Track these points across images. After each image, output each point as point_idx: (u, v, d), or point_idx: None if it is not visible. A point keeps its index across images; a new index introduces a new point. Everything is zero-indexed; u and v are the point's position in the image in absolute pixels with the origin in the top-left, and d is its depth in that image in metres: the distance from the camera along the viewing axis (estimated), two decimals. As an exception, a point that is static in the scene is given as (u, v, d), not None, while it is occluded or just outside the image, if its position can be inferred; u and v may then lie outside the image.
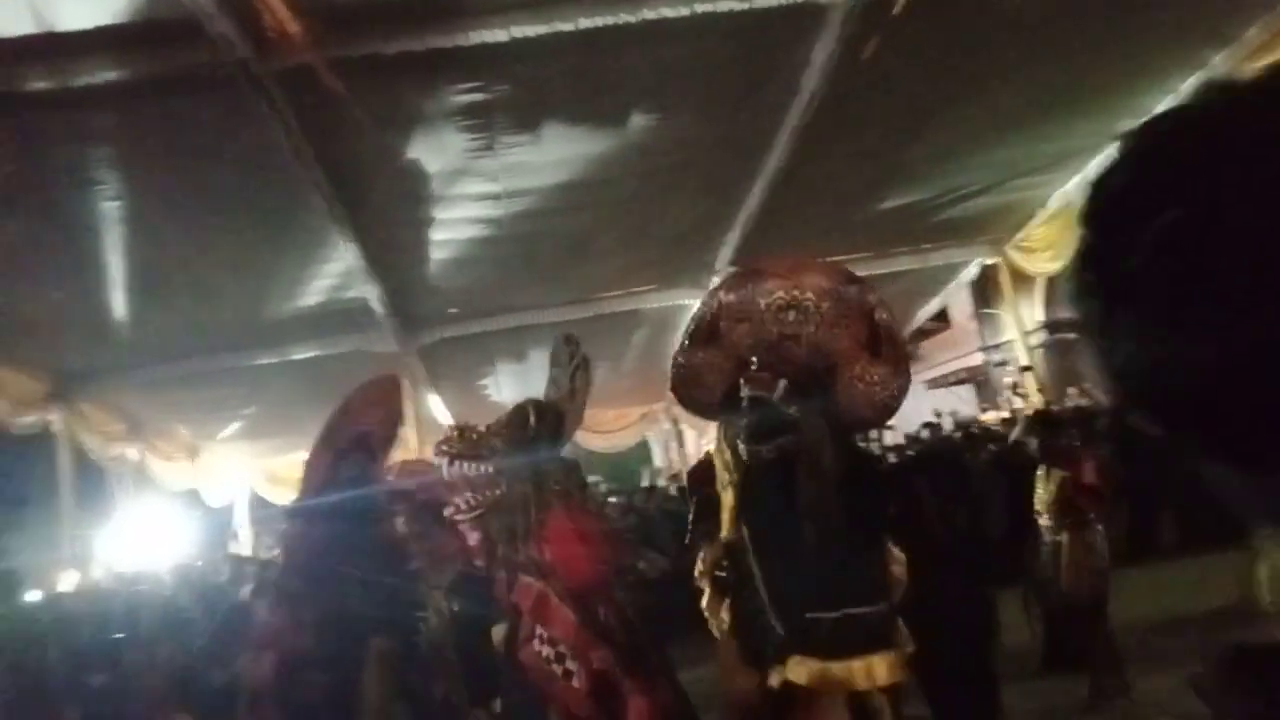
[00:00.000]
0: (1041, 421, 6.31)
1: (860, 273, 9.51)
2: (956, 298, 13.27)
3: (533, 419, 2.84)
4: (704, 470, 3.21)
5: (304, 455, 3.85)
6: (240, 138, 4.98)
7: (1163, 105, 6.91)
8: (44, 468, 8.63)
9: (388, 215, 6.34)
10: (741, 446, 2.79)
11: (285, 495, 11.02)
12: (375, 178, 5.80)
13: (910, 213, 8.32)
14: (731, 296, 2.99)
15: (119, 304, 6.92)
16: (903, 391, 2.94)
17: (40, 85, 4.31)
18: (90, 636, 5.67)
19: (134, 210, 5.64)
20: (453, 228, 6.71)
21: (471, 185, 6.13)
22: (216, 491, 12.33)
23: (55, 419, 8.23)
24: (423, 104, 5.13)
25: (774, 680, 2.58)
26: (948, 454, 9.58)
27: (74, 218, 5.66)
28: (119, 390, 8.86)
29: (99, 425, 8.92)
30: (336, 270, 7.03)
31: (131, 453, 9.84)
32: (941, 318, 15.36)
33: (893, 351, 2.92)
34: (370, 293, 7.42)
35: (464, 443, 2.90)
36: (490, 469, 2.81)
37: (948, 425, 11.56)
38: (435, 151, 5.61)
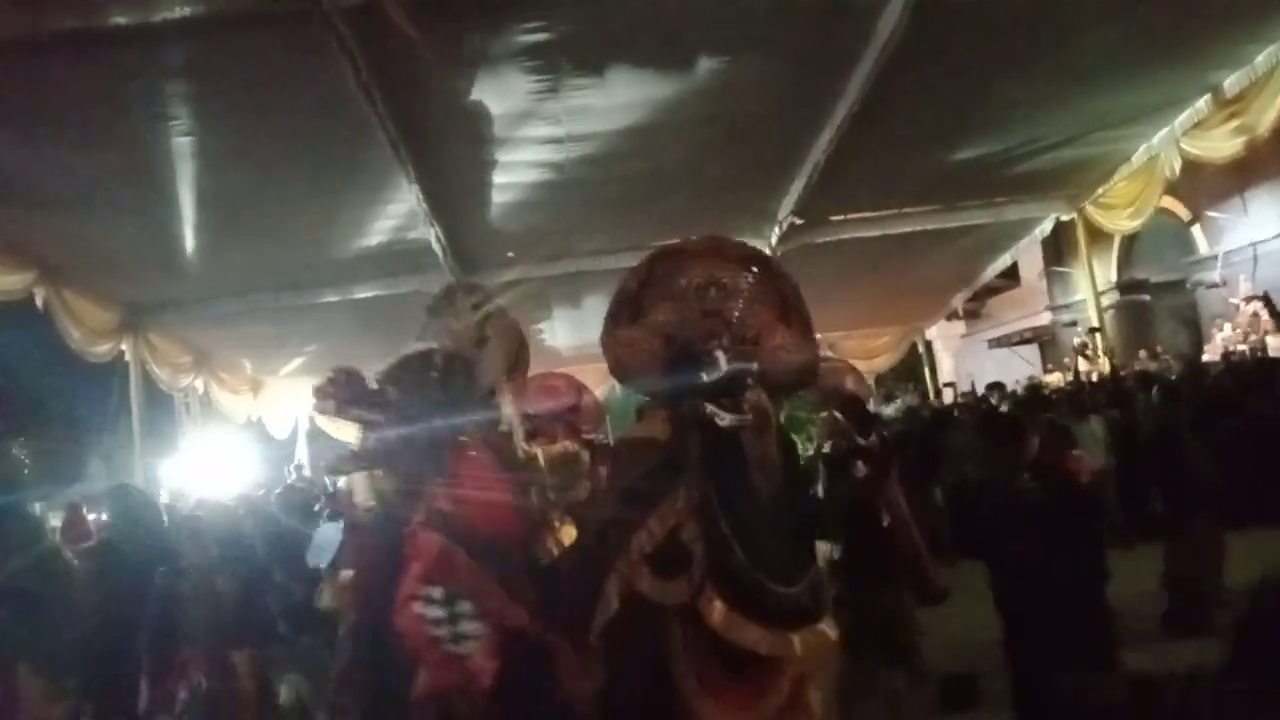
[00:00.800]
0: None
1: (929, 225, 9.30)
2: (1027, 255, 12.89)
3: (436, 367, 2.67)
4: (637, 451, 3.12)
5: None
6: (310, 76, 4.98)
7: (1259, 56, 6.56)
8: (117, 395, 8.93)
9: (451, 157, 6.33)
10: (711, 411, 2.81)
11: (341, 429, 11.27)
12: (440, 119, 5.78)
13: (984, 165, 8.04)
14: (651, 276, 3.04)
15: (189, 238, 7.07)
16: (815, 357, 3.06)
17: (119, 20, 4.34)
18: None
19: (206, 146, 5.71)
20: (514, 171, 6.68)
21: (535, 128, 6.07)
22: (279, 424, 12.71)
23: (127, 348, 8.51)
24: (489, 44, 5.06)
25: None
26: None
27: (148, 152, 5.75)
28: (187, 323, 9.12)
29: (168, 356, 9.22)
30: (399, 211, 7.07)
31: (198, 384, 10.16)
32: (1010, 275, 14.96)
33: (801, 321, 3.03)
34: (431, 234, 7.45)
35: (351, 388, 2.69)
36: (383, 416, 2.60)
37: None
38: (500, 93, 5.56)
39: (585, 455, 6.20)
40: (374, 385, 2.67)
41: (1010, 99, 6.80)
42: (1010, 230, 9.95)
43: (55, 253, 6.98)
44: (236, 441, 12.12)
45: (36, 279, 6.94)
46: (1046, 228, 9.85)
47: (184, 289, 8.31)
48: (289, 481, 10.36)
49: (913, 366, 15.38)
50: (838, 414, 4.52)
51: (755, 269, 3.04)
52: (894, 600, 4.27)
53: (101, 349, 8.08)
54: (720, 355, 2.71)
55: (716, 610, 2.36)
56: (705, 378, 2.76)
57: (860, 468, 4.38)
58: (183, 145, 5.69)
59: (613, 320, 3.05)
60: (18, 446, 14.37)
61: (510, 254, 8.43)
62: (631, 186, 7.20)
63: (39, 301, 7.03)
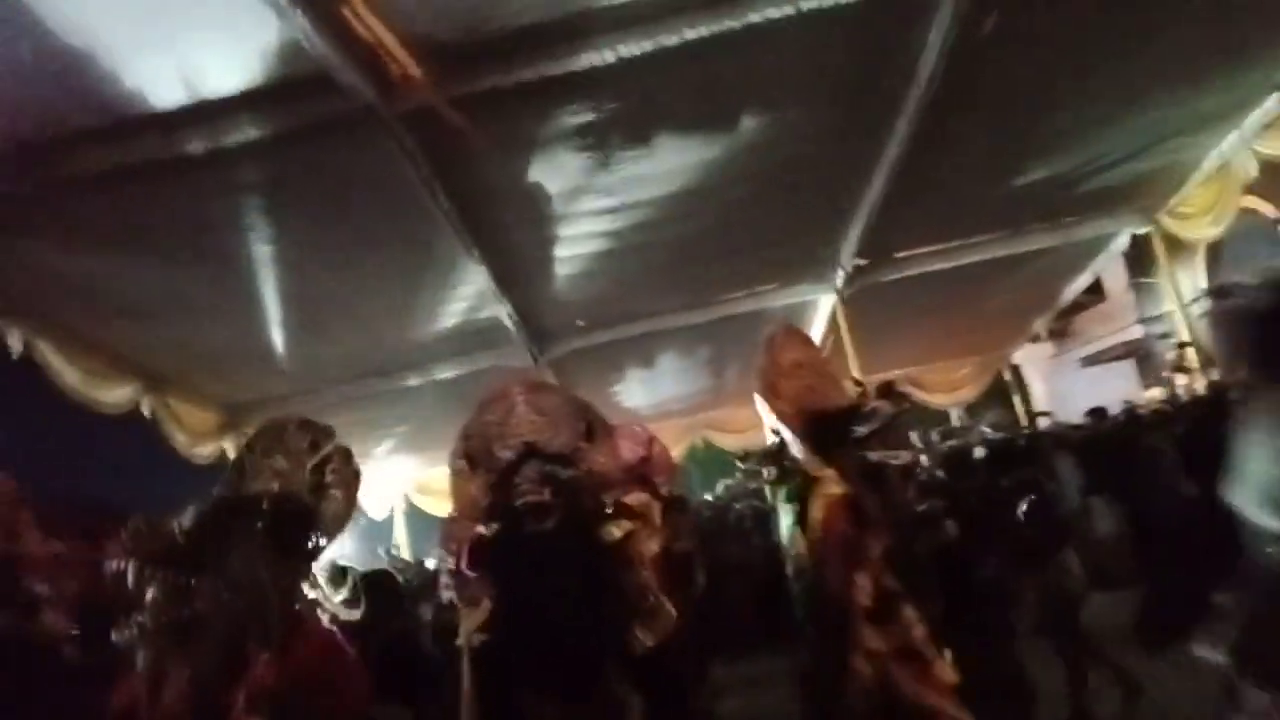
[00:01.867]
0: None
1: (998, 253, 9.18)
2: (1110, 268, 12.50)
3: (264, 515, 2.24)
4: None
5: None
6: (374, 177, 5.28)
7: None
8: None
9: (513, 237, 6.58)
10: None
11: (437, 505, 11.60)
12: (499, 203, 6.03)
13: (1049, 187, 7.89)
14: (478, 426, 3.95)
15: (279, 338, 7.48)
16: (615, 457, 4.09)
17: (196, 147, 4.70)
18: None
19: (285, 251, 6.08)
20: (575, 243, 6.88)
21: (590, 201, 6.27)
22: (376, 504, 13.10)
23: (229, 447, 8.96)
24: (539, 129, 5.29)
25: None
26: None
27: (235, 262, 6.15)
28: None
29: (268, 450, 9.64)
30: (470, 293, 7.34)
31: (298, 473, 10.57)
32: (1095, 289, 14.51)
33: (604, 433, 3.99)
34: (502, 311, 7.71)
35: (153, 541, 2.25)
36: (189, 579, 2.14)
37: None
38: (553, 173, 5.78)
39: (656, 507, 6.30)
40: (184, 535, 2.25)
41: (1068, 118, 6.71)
42: (1084, 249, 9.69)
43: (157, 362, 7.47)
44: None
45: (142, 389, 7.44)
46: (1123, 243, 9.56)
47: (278, 385, 8.74)
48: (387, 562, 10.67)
49: (1001, 394, 14.93)
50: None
51: (564, 401, 4.01)
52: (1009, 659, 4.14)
53: (205, 450, 8.53)
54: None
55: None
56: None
57: (952, 527, 4.34)
58: (265, 253, 6.07)
59: (455, 472, 3.96)
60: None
61: (580, 322, 8.63)
62: (690, 246, 7.33)
63: (145, 410, 7.52)
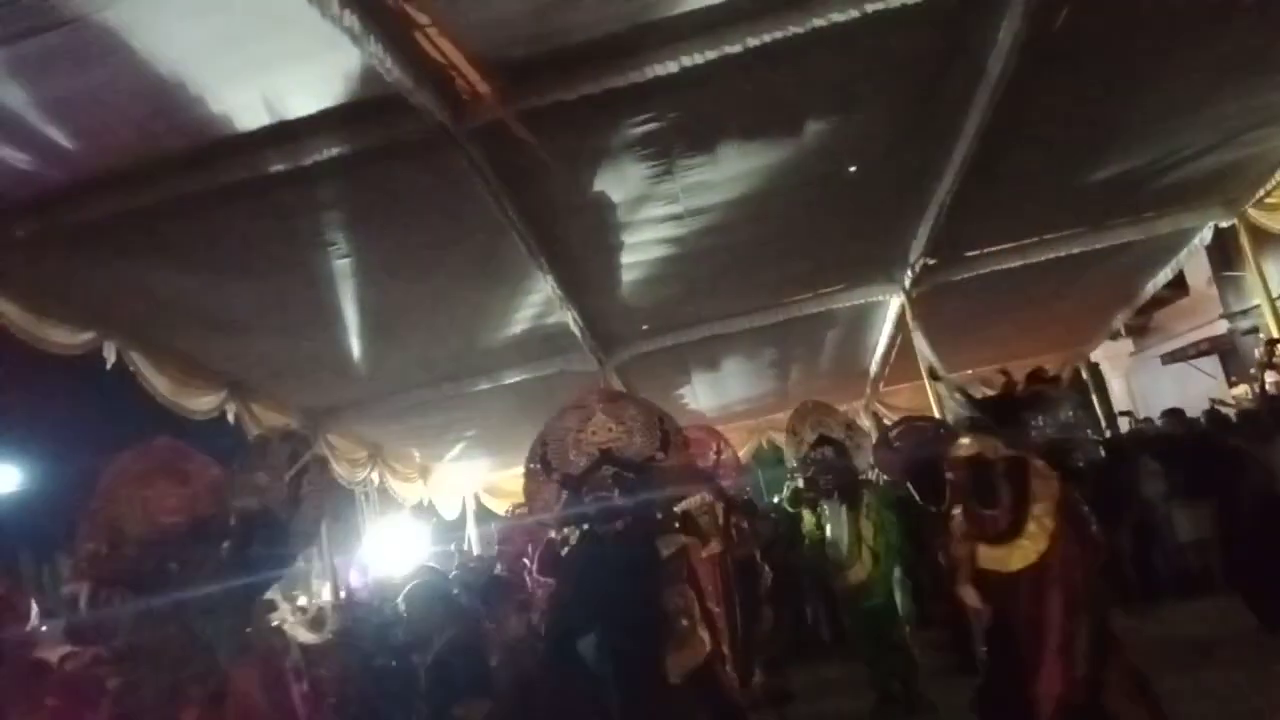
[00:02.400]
0: None
1: (1074, 249, 8.94)
2: (1193, 262, 12.02)
3: (231, 534, 2.10)
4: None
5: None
6: (446, 192, 5.43)
7: None
8: (304, 494, 9.71)
9: (579, 246, 6.68)
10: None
11: (505, 505, 11.84)
12: (566, 213, 6.14)
13: (1127, 181, 7.65)
14: (556, 431, 4.14)
15: (355, 346, 7.74)
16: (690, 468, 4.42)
17: (279, 167, 4.90)
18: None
19: (363, 265, 6.30)
20: (639, 250, 6.95)
21: (654, 209, 6.33)
22: (447, 505, 13.42)
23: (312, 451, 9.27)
24: (604, 140, 5.37)
25: None
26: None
27: (314, 276, 6.39)
28: (360, 421, 9.88)
29: (346, 453, 9.99)
30: (537, 300, 7.48)
31: (374, 475, 10.92)
32: (1177, 284, 13.97)
33: (679, 443, 4.15)
34: (568, 318, 7.83)
35: (116, 563, 2.10)
36: (146, 602, 1.93)
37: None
38: (618, 182, 5.86)
39: (720, 509, 6.34)
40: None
41: (1146, 110, 6.50)
42: (1165, 244, 9.35)
43: (241, 371, 7.81)
44: (410, 524, 12.96)
45: (227, 396, 7.77)
46: (1206, 237, 9.19)
47: (355, 391, 9.03)
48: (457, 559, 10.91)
49: (1079, 393, 14.49)
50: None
51: (638, 410, 4.17)
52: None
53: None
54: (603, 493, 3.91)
55: None
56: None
57: None
58: (343, 266, 6.30)
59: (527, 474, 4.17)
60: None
61: (645, 327, 8.70)
62: (754, 250, 7.33)
63: (230, 416, 7.85)
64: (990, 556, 3.80)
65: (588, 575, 3.88)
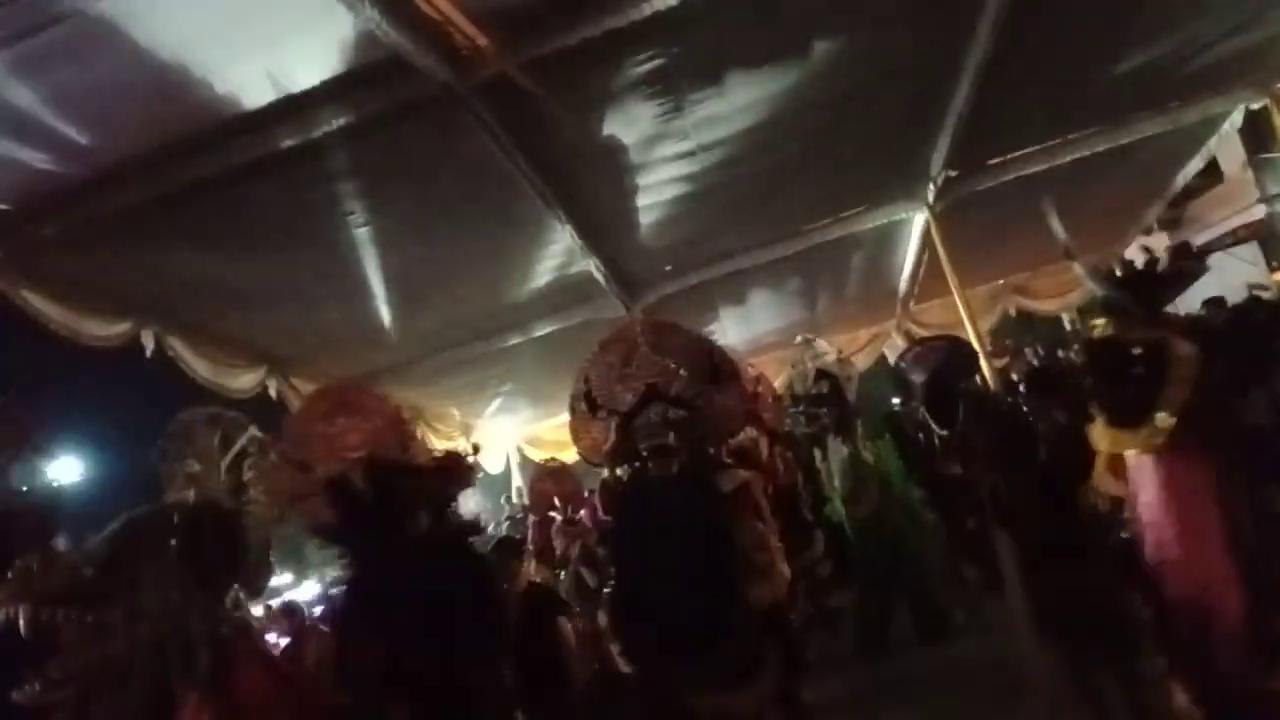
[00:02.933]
0: None
1: (1100, 147, 8.72)
2: (1225, 148, 11.66)
3: (177, 531, 1.88)
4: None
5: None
6: (456, 151, 5.42)
7: None
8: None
9: (595, 192, 6.65)
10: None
11: (545, 456, 12.03)
12: (578, 161, 6.10)
13: (1150, 72, 7.39)
14: (599, 367, 4.01)
15: (384, 312, 7.82)
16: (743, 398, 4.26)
17: (289, 141, 4.93)
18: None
19: (382, 231, 6.33)
20: (655, 191, 6.90)
21: (666, 148, 6.27)
22: (491, 460, 13.65)
23: (352, 419, 9.45)
24: (609, 83, 5.30)
25: None
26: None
27: (336, 246, 6.44)
28: (399, 386, 9.97)
29: (388, 419, 10.15)
30: (558, 251, 7.48)
31: (417, 436, 11.10)
32: (1210, 172, 13.57)
33: (731, 372, 4.03)
34: (591, 265, 7.83)
35: (52, 578, 1.91)
36: (97, 616, 1.76)
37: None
38: (628, 124, 5.80)
39: (764, 442, 6.32)
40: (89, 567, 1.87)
41: (1164, -2, 6.28)
42: (1194, 132, 9.05)
43: (277, 347, 7.94)
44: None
45: (266, 373, 7.93)
46: (1236, 120, 8.88)
47: (389, 357, 9.14)
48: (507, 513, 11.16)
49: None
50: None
51: (686, 342, 4.04)
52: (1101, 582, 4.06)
53: (330, 423, 9.05)
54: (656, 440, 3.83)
55: None
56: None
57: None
58: (363, 234, 6.34)
59: (572, 411, 4.08)
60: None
61: (668, 267, 8.68)
62: (772, 179, 7.24)
63: (272, 392, 8.01)
64: (1123, 440, 3.46)
65: (648, 516, 3.80)
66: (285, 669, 1.96)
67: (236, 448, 2.21)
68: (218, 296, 6.61)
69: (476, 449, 4.25)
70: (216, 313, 6.89)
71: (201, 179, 5.00)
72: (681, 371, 3.92)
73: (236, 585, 1.95)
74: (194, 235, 5.68)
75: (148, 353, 6.42)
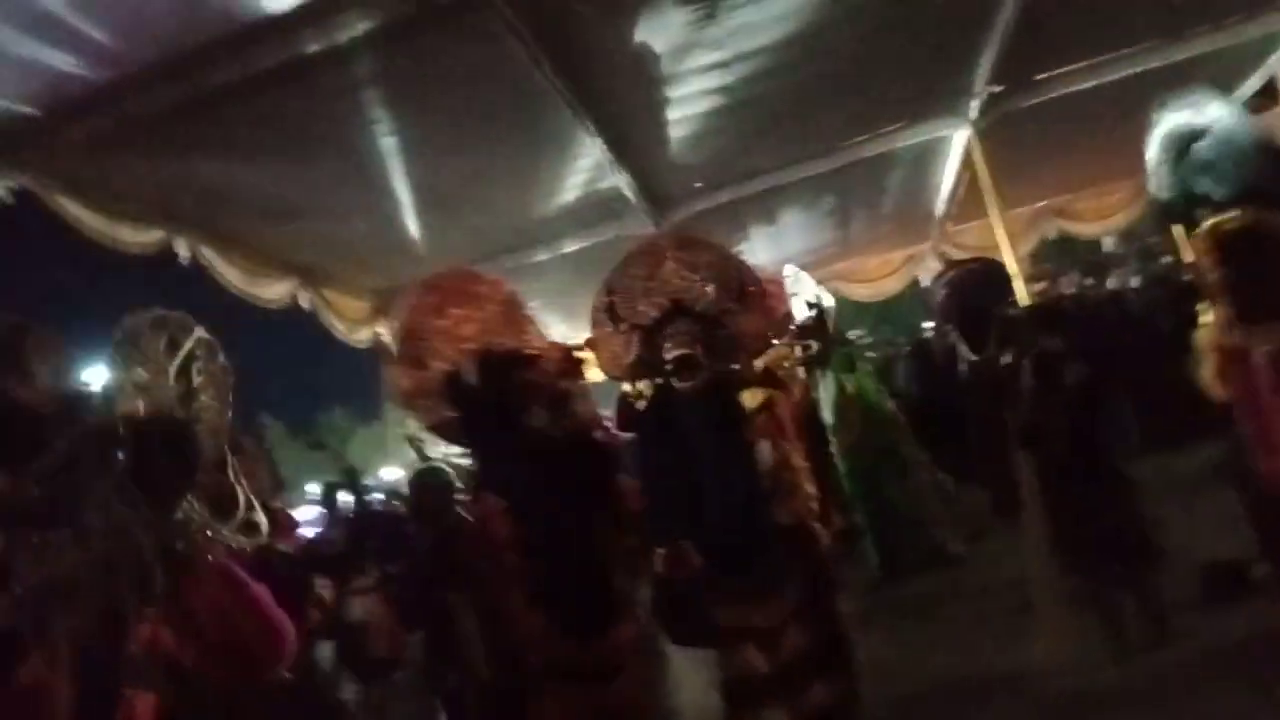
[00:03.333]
0: None
1: (1153, 64, 8.40)
2: (1283, 66, 11.11)
3: (124, 442, 1.75)
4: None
5: (583, 339, 4.41)
6: (485, 59, 5.30)
7: None
8: (374, 375, 10.08)
9: (626, 104, 6.49)
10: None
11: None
12: (609, 71, 5.94)
13: (1213, -19, 7.04)
14: (624, 280, 3.95)
15: (413, 225, 7.81)
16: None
17: (314, 47, 4.85)
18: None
19: (409, 141, 6.26)
20: (688, 103, 6.73)
21: (699, 57, 6.08)
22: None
23: (383, 330, 9.57)
24: (641, -15, 5.13)
25: None
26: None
27: (363, 156, 6.39)
28: (426, 299, 10.07)
29: (415, 332, 10.25)
30: (588, 164, 7.37)
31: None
32: (1268, 92, 12.95)
33: (758, 291, 3.93)
34: (621, 181, 7.71)
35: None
36: (43, 536, 1.64)
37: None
38: (660, 32, 5.61)
39: (797, 354, 6.29)
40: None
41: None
42: (1254, 49, 8.61)
43: (308, 257, 8.00)
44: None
45: (299, 284, 8.01)
46: (1300, 37, 8.46)
47: (418, 270, 9.05)
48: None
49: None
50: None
51: (714, 256, 3.95)
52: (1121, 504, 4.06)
53: (361, 335, 9.17)
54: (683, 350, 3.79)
55: None
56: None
57: (1077, 370, 4.20)
58: (391, 144, 6.28)
59: (593, 324, 4.03)
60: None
61: (698, 184, 8.53)
62: (807, 93, 7.02)
63: (304, 304, 8.10)
64: (1258, 337, 3.21)
65: (672, 431, 3.79)
66: (247, 583, 1.82)
67: (184, 352, 2.00)
68: (247, 206, 6.62)
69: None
70: (246, 222, 6.91)
71: (227, 85, 4.94)
72: (708, 288, 3.85)
73: (191, 499, 1.81)
74: (221, 143, 5.66)
75: (183, 260, 6.49)
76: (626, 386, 4.65)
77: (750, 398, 3.85)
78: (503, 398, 3.63)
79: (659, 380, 3.97)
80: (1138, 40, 7.87)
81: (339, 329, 8.63)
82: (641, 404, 4.31)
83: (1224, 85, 9.57)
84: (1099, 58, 8.02)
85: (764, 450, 3.71)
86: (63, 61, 4.51)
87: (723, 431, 3.72)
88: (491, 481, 3.74)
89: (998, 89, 7.84)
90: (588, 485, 3.63)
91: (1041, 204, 12.31)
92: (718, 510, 3.64)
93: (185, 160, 5.76)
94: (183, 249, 6.45)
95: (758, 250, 10.77)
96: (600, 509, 3.67)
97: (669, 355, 3.75)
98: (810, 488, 3.86)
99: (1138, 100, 8.85)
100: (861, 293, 12.76)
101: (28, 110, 4.85)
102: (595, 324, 4.02)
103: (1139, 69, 8.11)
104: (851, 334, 7.84)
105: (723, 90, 6.64)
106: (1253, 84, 9.74)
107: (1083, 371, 4.24)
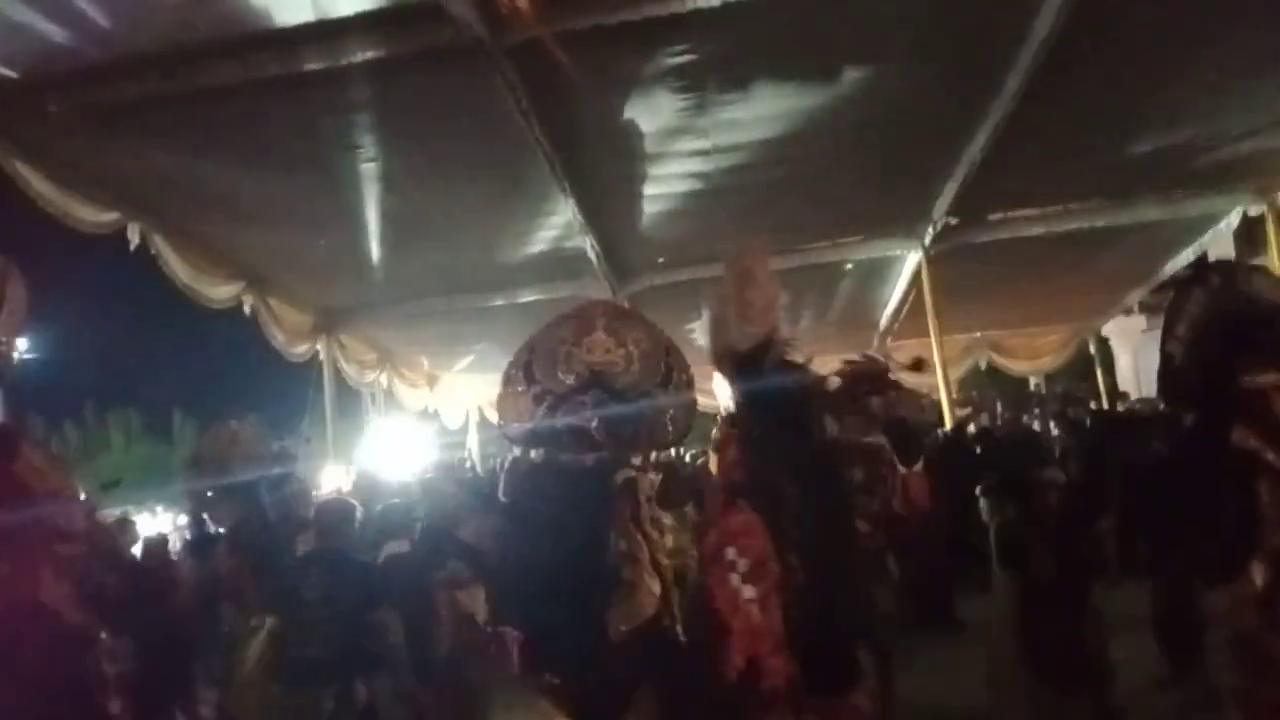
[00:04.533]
0: None
1: (1100, 222, 8.84)
2: (1217, 246, 11.90)
3: None
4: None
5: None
6: (476, 106, 5.43)
7: None
8: (313, 390, 9.91)
9: (604, 172, 6.68)
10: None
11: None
12: (594, 139, 6.13)
13: (1161, 158, 7.56)
14: (548, 340, 3.72)
15: (374, 250, 7.81)
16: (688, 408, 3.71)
17: (314, 65, 4.91)
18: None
19: (388, 170, 6.34)
20: (664, 182, 6.95)
21: (683, 142, 6.32)
22: (452, 415, 13.66)
23: (321, 349, 9.45)
24: (639, 69, 5.33)
25: None
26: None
27: (339, 176, 6.43)
28: (373, 325, 10.02)
29: (356, 355, 10.16)
30: (558, 223, 7.51)
31: (382, 379, 11.10)
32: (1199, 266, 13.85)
33: (683, 381, 3.63)
34: (586, 243, 7.87)
35: None
36: None
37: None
38: (649, 112, 5.83)
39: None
40: None
41: (1187, 88, 6.39)
42: (1191, 225, 9.27)
43: (260, 264, 7.92)
44: (414, 429, 13.18)
45: (245, 288, 7.89)
46: (1233, 222, 9.11)
47: (370, 294, 9.13)
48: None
49: (1084, 365, 14.51)
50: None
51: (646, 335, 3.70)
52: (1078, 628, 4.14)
53: (300, 349, 9.05)
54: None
55: None
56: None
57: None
58: (369, 169, 6.33)
59: (504, 384, 3.72)
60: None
61: (661, 259, 8.73)
62: (779, 193, 7.30)
63: (246, 308, 7.98)
64: None
65: (542, 509, 3.44)
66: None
67: None
68: (211, 204, 6.56)
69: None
70: (206, 219, 6.84)
71: (219, 86, 4.96)
72: (633, 366, 3.64)
73: None
74: (199, 139, 5.64)
75: (132, 247, 6.36)
76: (518, 450, 4.38)
77: (618, 479, 3.52)
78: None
79: (552, 451, 3.65)
80: (1088, 198, 8.40)
81: (278, 339, 8.50)
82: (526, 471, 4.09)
83: (1159, 254, 10.28)
84: (1049, 208, 8.54)
85: (614, 541, 3.39)
86: (57, 33, 4.48)
87: (585, 518, 3.36)
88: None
89: (954, 221, 8.27)
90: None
91: (978, 334, 12.87)
92: (563, 611, 3.23)
93: (158, 150, 5.72)
94: (135, 235, 6.34)
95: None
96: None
97: (565, 423, 3.49)
98: (655, 586, 3.48)
99: (1080, 254, 9.56)
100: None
101: (8, 72, 4.79)
102: (507, 380, 3.74)
103: (1084, 225, 8.65)
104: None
105: (699, 176, 6.88)
106: (1186, 256, 10.41)
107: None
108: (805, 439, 2.88)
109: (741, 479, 2.79)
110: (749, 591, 2.67)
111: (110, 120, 5.25)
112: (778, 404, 2.75)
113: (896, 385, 4.00)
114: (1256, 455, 2.37)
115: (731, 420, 3.00)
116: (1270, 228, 8.70)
